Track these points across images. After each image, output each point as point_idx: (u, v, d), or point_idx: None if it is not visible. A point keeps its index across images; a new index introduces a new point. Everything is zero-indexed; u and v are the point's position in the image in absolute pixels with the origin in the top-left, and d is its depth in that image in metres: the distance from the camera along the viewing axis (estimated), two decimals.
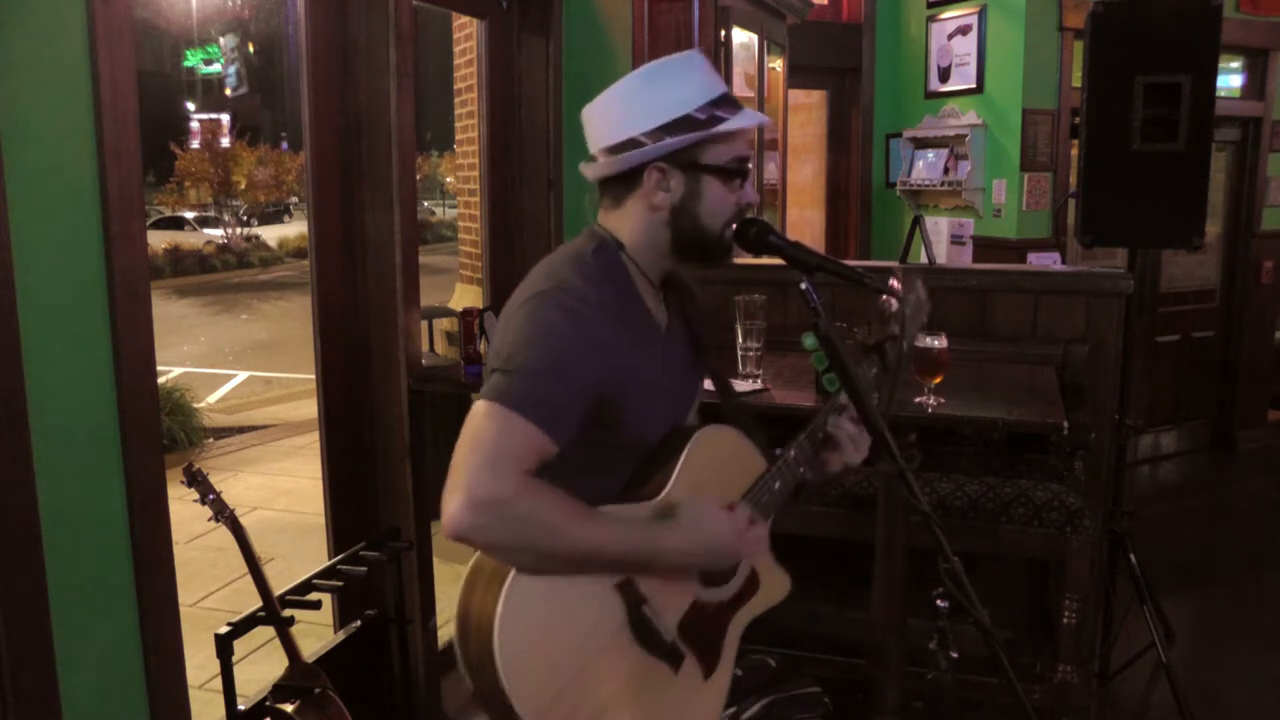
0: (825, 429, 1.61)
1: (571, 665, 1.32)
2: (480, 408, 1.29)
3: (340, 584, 2.41)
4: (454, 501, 1.23)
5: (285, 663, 2.23)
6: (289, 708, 2.18)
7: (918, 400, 2.37)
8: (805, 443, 1.59)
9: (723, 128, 1.43)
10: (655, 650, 1.40)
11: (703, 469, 1.48)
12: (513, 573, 1.28)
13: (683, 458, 1.45)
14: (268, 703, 2.20)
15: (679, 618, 1.44)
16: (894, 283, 1.60)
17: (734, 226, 1.49)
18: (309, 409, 7.16)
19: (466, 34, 4.38)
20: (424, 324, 5.05)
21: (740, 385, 2.58)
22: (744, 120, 1.46)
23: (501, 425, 1.27)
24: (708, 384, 1.70)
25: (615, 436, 1.43)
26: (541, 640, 1.30)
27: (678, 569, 1.43)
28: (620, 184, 1.48)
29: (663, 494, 1.43)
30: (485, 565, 1.33)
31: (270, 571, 2.22)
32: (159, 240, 19.52)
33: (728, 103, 1.46)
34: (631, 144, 1.44)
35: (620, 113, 1.46)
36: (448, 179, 27.53)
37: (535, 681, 1.28)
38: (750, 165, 1.51)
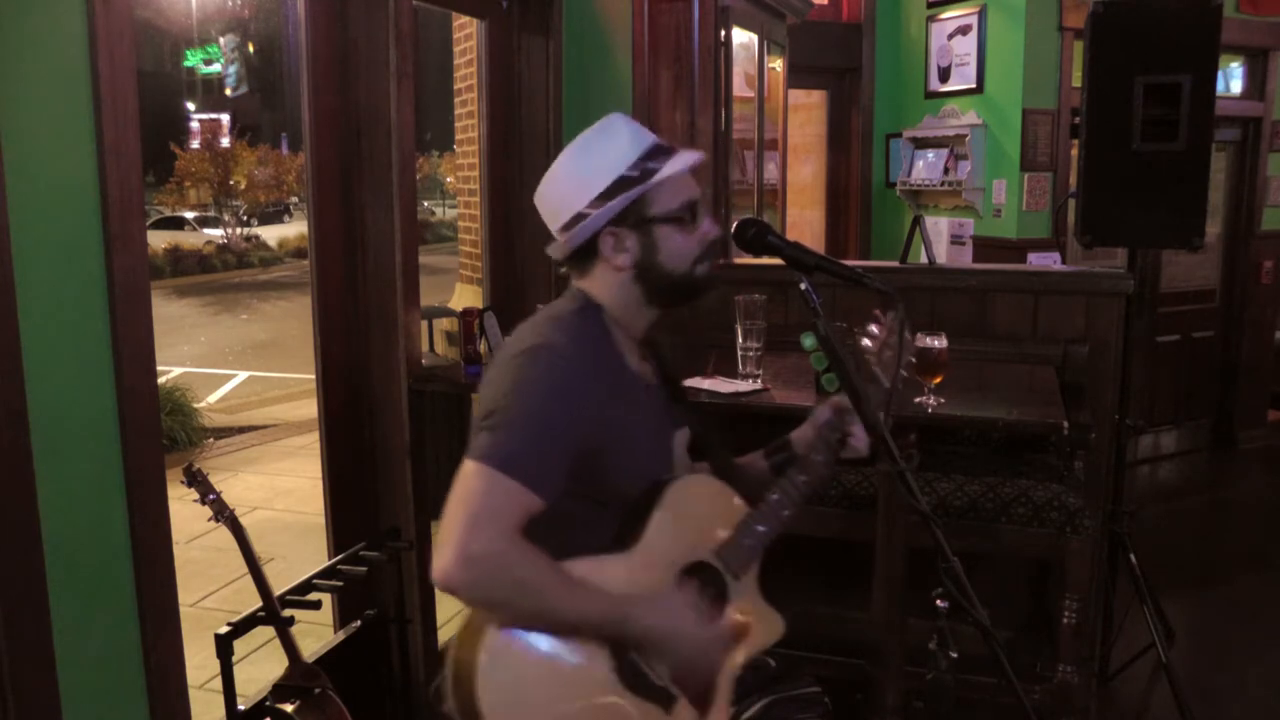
0: (835, 438, 1.62)
1: (556, 711, 1.35)
2: (469, 468, 1.34)
3: (340, 584, 2.41)
4: (444, 555, 1.28)
5: (285, 663, 2.23)
6: (289, 708, 2.18)
7: (918, 400, 2.37)
8: (790, 483, 1.60)
9: (656, 179, 1.48)
10: (645, 694, 1.42)
11: (681, 517, 1.50)
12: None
13: (659, 507, 1.48)
14: (268, 703, 2.20)
15: (670, 661, 1.46)
16: (874, 328, 1.63)
17: (705, 264, 1.54)
18: (309, 409, 7.16)
19: (466, 34, 4.39)
20: (424, 324, 5.05)
21: (740, 385, 2.58)
22: (676, 165, 1.50)
23: (489, 485, 1.32)
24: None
25: (597, 490, 1.46)
26: (526, 689, 1.33)
27: (651, 651, 1.44)
28: (582, 257, 1.54)
29: (641, 542, 1.45)
30: (475, 617, 1.36)
31: (270, 571, 2.22)
32: (159, 240, 19.51)
33: (659, 152, 1.51)
34: (579, 218, 1.50)
35: (561, 192, 1.53)
36: (448, 179, 27.51)
37: None
38: (699, 203, 1.54)
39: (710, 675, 1.53)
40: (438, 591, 2.86)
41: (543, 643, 1.35)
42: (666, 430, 1.61)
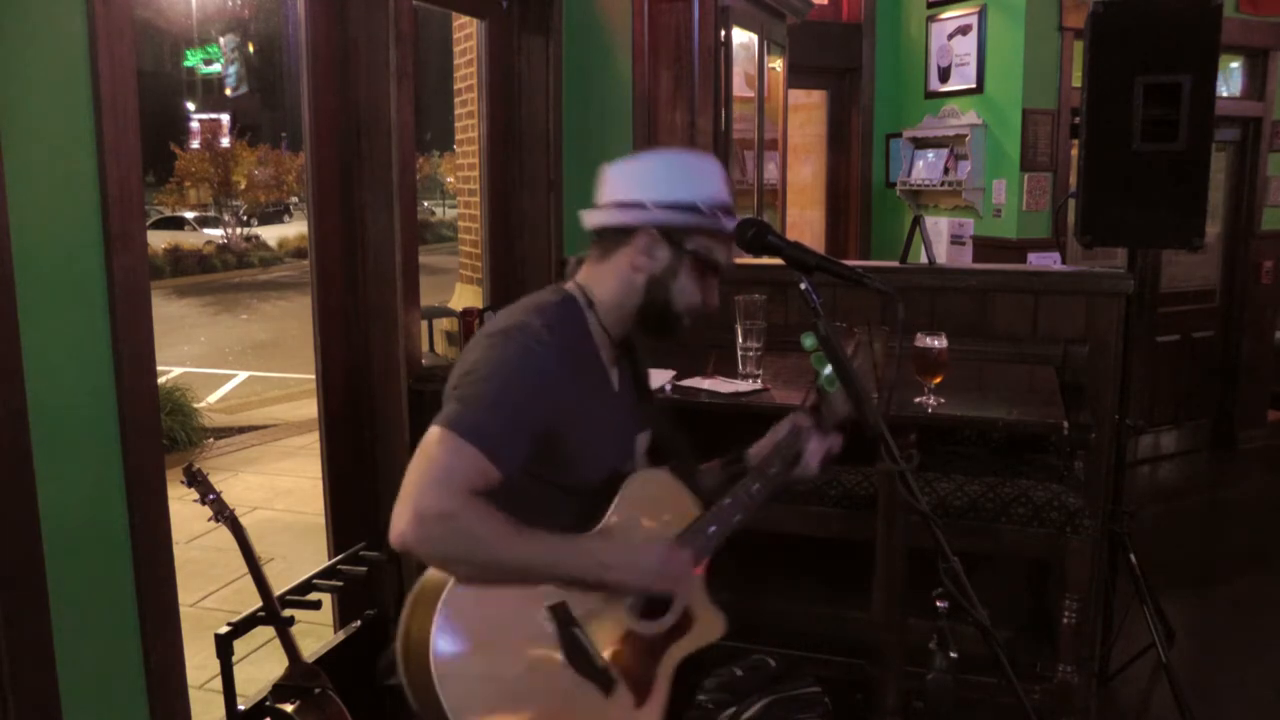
0: (793, 453, 1.70)
1: (506, 683, 1.38)
2: (433, 433, 1.38)
3: (340, 584, 2.41)
4: (402, 515, 1.33)
5: (285, 663, 2.23)
6: (289, 708, 2.18)
7: (918, 400, 2.37)
8: (743, 490, 1.66)
9: (720, 224, 1.58)
10: (585, 672, 1.45)
11: (637, 509, 1.56)
12: (445, 593, 1.35)
13: (617, 499, 1.53)
14: (268, 703, 2.20)
15: (612, 646, 1.50)
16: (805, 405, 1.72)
17: (690, 318, 1.62)
18: (309, 409, 7.16)
19: (466, 34, 4.39)
20: (424, 324, 5.05)
21: (740, 385, 2.59)
22: (734, 228, 1.59)
23: (449, 450, 1.36)
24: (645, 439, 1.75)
25: (558, 476, 1.51)
26: (475, 658, 1.36)
27: (609, 586, 1.48)
28: (614, 238, 1.60)
29: (596, 528, 1.51)
30: (425, 590, 1.40)
31: (270, 571, 2.22)
32: (159, 240, 19.50)
33: (730, 212, 1.61)
34: (637, 205, 1.56)
35: (638, 177, 1.59)
36: (448, 179, 27.52)
37: (472, 697, 1.34)
38: (724, 271, 1.64)
39: (651, 661, 1.55)
40: None
41: (492, 614, 1.38)
42: (630, 428, 1.68)
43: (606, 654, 1.49)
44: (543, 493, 1.49)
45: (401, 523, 1.32)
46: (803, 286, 1.52)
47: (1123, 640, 3.16)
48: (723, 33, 3.79)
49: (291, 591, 2.31)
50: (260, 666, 2.98)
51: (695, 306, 1.62)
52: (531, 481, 1.45)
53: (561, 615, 1.43)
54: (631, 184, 1.59)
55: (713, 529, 1.61)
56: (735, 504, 1.64)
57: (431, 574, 1.41)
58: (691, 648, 1.62)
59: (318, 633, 2.71)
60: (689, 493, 1.66)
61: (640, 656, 1.54)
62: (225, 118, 25.47)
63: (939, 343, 2.35)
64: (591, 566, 1.45)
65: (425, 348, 4.96)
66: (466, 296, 4.94)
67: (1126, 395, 3.00)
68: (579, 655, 1.44)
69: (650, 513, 1.58)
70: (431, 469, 1.35)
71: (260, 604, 2.19)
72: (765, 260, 1.66)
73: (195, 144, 24.94)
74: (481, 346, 1.48)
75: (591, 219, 1.62)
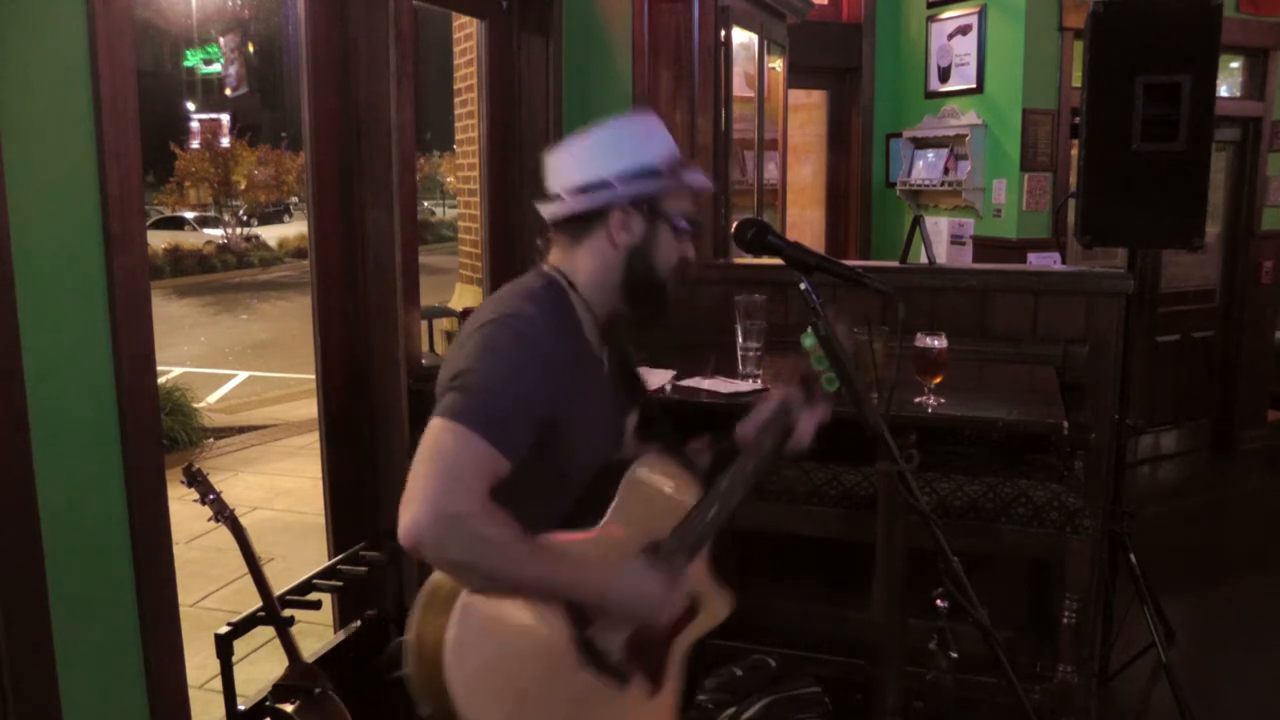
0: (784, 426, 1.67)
1: (522, 685, 1.37)
2: (437, 424, 1.35)
3: (340, 584, 2.41)
4: (413, 511, 1.28)
5: (285, 663, 2.23)
6: (289, 708, 2.18)
7: (918, 400, 2.37)
8: (738, 470, 1.64)
9: (686, 181, 1.57)
10: (601, 669, 1.45)
11: (640, 498, 1.54)
12: (462, 596, 1.33)
13: (621, 486, 1.52)
14: (268, 703, 2.20)
15: (624, 639, 1.50)
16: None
17: (674, 282, 1.59)
18: (309, 409, 7.15)
19: (466, 34, 4.39)
20: (424, 324, 5.05)
21: (740, 385, 2.59)
22: (699, 180, 1.60)
23: (461, 443, 1.33)
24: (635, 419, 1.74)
25: (555, 462, 1.49)
26: (492, 661, 1.35)
27: (610, 613, 1.47)
28: (582, 223, 1.56)
29: (601, 523, 1.49)
30: (438, 591, 1.37)
31: (270, 571, 2.22)
32: (159, 240, 19.50)
33: (684, 165, 1.59)
34: (602, 185, 1.53)
35: (591, 156, 1.56)
36: (448, 179, 27.51)
37: (488, 702, 1.33)
38: (697, 223, 1.62)
39: (663, 651, 1.56)
40: None
41: (508, 619, 1.37)
42: (620, 410, 1.67)
43: (619, 648, 1.48)
44: (540, 480, 1.47)
45: (412, 519, 1.28)
46: (803, 286, 1.52)
47: (1123, 640, 3.16)
48: (723, 33, 3.78)
49: (291, 591, 2.31)
50: (260, 666, 2.98)
51: (677, 267, 1.59)
52: (529, 469, 1.42)
53: (576, 615, 1.42)
54: (588, 165, 1.55)
55: (713, 511, 1.59)
56: (733, 485, 1.62)
57: (443, 575, 1.39)
58: (701, 631, 1.62)
59: (318, 633, 2.71)
60: (689, 476, 1.64)
61: (652, 646, 1.54)
62: (225, 118, 25.45)
63: (939, 343, 2.35)
64: (593, 594, 1.43)
65: (425, 348, 4.96)
66: (466, 296, 4.94)
67: (1126, 395, 3.00)
68: (593, 653, 1.44)
69: (654, 502, 1.57)
70: (442, 463, 1.31)
71: (260, 604, 2.19)
72: (765, 260, 1.66)
73: (195, 144, 24.92)
74: (475, 337, 1.45)
75: (557, 210, 1.58)
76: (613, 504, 1.51)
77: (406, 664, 1.37)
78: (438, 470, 1.31)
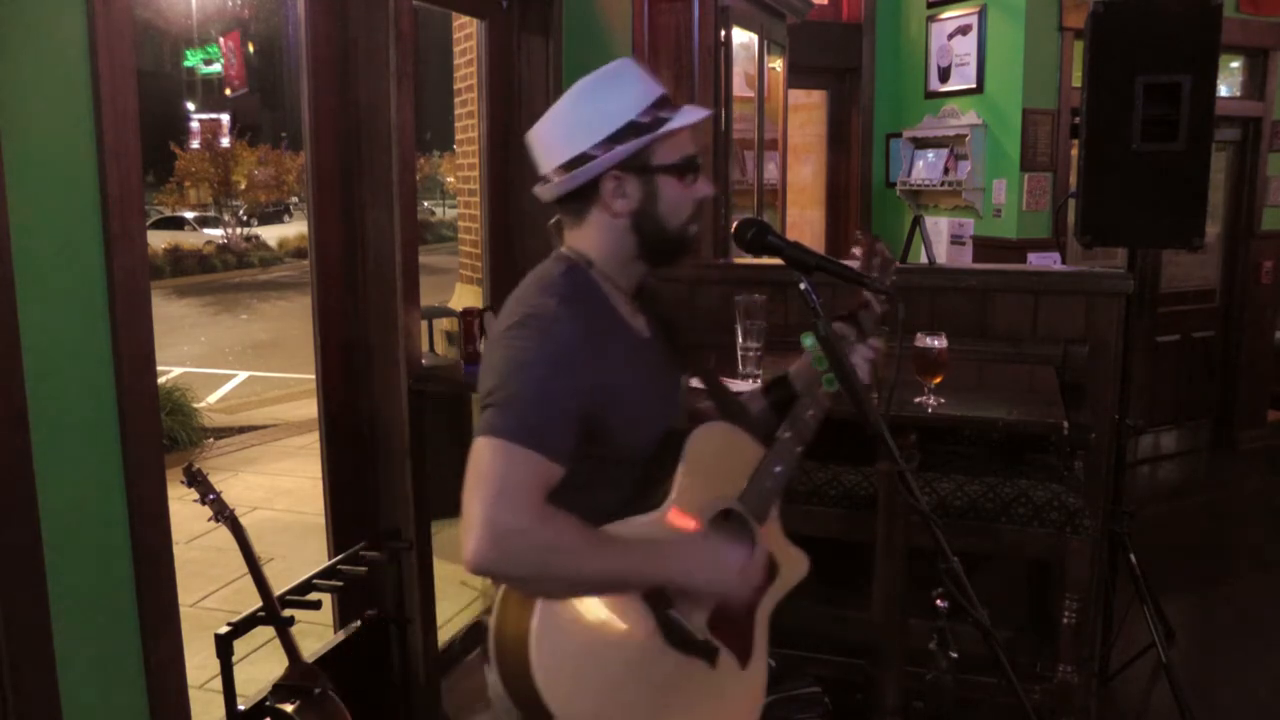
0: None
1: (610, 672, 1.35)
2: (480, 445, 1.31)
3: (340, 584, 2.41)
4: (474, 536, 1.24)
5: (285, 663, 2.23)
6: (289, 708, 2.18)
7: (918, 400, 2.37)
8: (798, 419, 1.61)
9: (668, 128, 1.47)
10: (689, 649, 1.43)
11: (703, 468, 1.50)
12: None
13: (682, 461, 1.47)
14: (268, 703, 2.20)
15: (707, 614, 1.47)
16: (856, 250, 1.66)
17: (695, 224, 1.53)
18: (309, 409, 7.15)
19: (466, 34, 4.38)
20: (424, 324, 5.05)
21: (740, 385, 2.58)
22: (686, 118, 1.50)
23: (506, 459, 1.29)
24: (695, 382, 1.71)
25: (608, 450, 1.45)
26: (577, 655, 1.32)
27: (696, 591, 1.44)
28: (578, 199, 1.51)
29: (669, 500, 1.45)
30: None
31: (270, 571, 2.22)
32: (159, 240, 19.50)
33: (667, 104, 1.51)
34: (583, 158, 1.46)
35: (567, 130, 1.48)
36: (448, 179, 27.52)
37: (576, 696, 1.31)
38: (700, 160, 1.54)
39: (747, 620, 1.54)
40: (437, 591, 2.87)
41: (589, 609, 1.34)
42: (669, 379, 1.61)
43: (704, 625, 1.46)
44: (593, 470, 1.42)
45: (476, 544, 1.24)
46: (803, 286, 1.51)
47: (1123, 640, 3.16)
48: (722, 33, 3.79)
49: (291, 591, 2.31)
50: (260, 666, 2.98)
51: (690, 212, 1.53)
52: (581, 462, 1.38)
53: (656, 599, 1.40)
54: (566, 139, 1.48)
55: (778, 468, 1.56)
56: (794, 436, 1.58)
57: None
58: (782, 593, 1.60)
59: (318, 633, 2.71)
60: (747, 437, 1.60)
61: (736, 618, 1.52)
62: (225, 118, 25.43)
63: (939, 343, 2.35)
64: (671, 577, 1.40)
65: (425, 348, 4.96)
66: (466, 296, 4.94)
67: (1126, 395, 3.00)
68: (679, 635, 1.42)
69: (717, 471, 1.53)
70: (492, 483, 1.27)
71: (260, 604, 2.19)
72: (765, 260, 1.65)
73: (195, 144, 24.91)
74: (501, 344, 1.41)
75: (548, 192, 1.53)
76: (676, 477, 1.46)
77: (489, 660, 1.35)
78: (488, 491, 1.27)
